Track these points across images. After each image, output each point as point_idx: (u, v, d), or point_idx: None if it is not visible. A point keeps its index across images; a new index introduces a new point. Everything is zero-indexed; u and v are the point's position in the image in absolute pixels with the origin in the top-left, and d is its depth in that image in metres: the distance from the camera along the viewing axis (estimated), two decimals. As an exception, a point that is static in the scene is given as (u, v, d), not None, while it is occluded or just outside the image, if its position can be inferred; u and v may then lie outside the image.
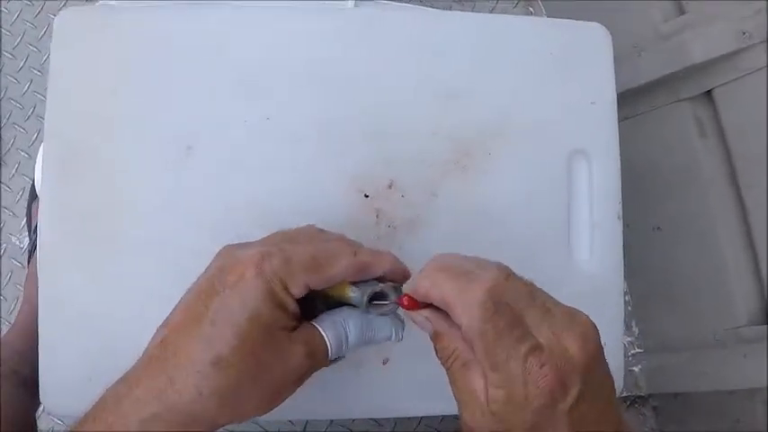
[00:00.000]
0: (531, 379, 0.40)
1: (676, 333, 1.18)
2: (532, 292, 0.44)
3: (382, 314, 0.49)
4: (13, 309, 1.23)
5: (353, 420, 1.19)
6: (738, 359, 1.01)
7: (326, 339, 0.47)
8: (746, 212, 1.00)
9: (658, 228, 1.19)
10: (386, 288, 0.48)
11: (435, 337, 0.46)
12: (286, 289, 0.45)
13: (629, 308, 1.27)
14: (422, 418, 1.20)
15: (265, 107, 0.64)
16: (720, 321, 1.06)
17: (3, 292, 1.24)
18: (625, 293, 1.26)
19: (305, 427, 1.19)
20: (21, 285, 1.22)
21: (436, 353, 0.47)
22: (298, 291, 0.46)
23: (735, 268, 1.04)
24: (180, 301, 0.49)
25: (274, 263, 0.45)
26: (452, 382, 0.45)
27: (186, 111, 0.64)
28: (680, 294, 1.16)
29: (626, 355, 1.25)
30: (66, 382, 0.63)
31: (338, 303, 0.50)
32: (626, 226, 1.21)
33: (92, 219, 0.63)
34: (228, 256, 0.48)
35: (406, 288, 0.47)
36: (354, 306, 0.49)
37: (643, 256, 1.22)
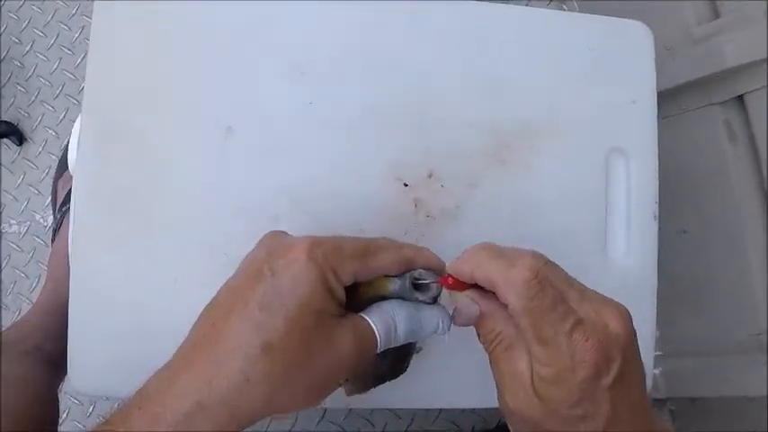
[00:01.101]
0: (577, 352, 0.42)
1: (697, 337, 1.17)
2: (568, 277, 0.46)
3: (425, 299, 0.49)
4: (35, 287, 1.23)
5: (372, 411, 1.19)
6: (759, 366, 1.00)
7: (375, 328, 0.47)
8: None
9: (684, 231, 1.18)
10: (425, 273, 0.49)
11: (479, 320, 0.47)
12: (336, 276, 0.45)
13: (650, 310, 1.27)
14: (440, 411, 1.20)
15: (307, 92, 0.64)
16: (743, 327, 1.05)
17: (24, 268, 1.25)
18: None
19: (323, 415, 1.19)
20: (44, 263, 1.23)
21: (479, 337, 0.47)
22: (347, 279, 0.46)
23: (760, 274, 1.03)
24: (225, 285, 0.48)
25: (326, 248, 0.45)
26: (495, 366, 0.46)
27: (228, 92, 0.64)
28: (703, 298, 1.15)
29: (645, 358, 1.25)
30: (95, 361, 0.63)
31: (376, 301, 0.50)
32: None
33: (126, 198, 0.63)
34: (277, 241, 0.48)
35: (449, 269, 0.48)
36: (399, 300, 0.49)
37: (668, 259, 1.21)
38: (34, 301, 1.07)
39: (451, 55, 0.66)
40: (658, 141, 1.17)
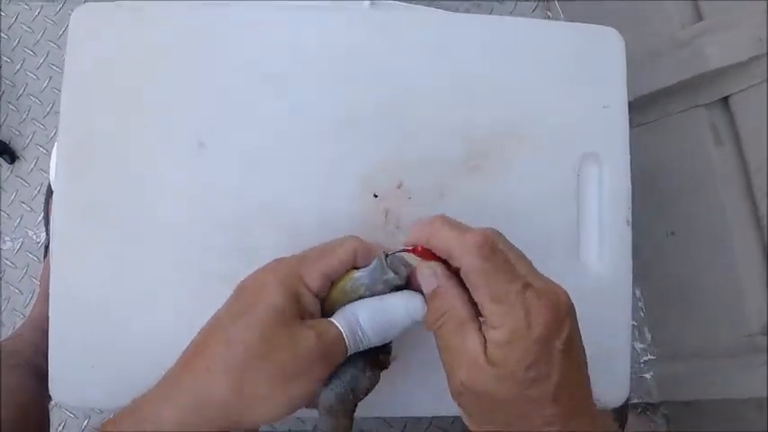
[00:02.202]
0: (531, 308, 0.43)
1: (689, 340, 1.17)
2: (518, 252, 0.49)
3: (397, 281, 0.50)
4: (29, 302, 1.24)
5: (364, 418, 1.19)
6: (751, 368, 1.00)
7: (339, 326, 0.49)
8: (761, 220, 0.99)
9: (672, 233, 1.18)
10: (393, 257, 0.51)
11: (432, 295, 0.48)
12: (303, 282, 0.49)
13: (642, 314, 1.26)
14: (432, 419, 1.20)
15: (278, 106, 0.65)
16: (733, 329, 1.05)
17: (19, 284, 1.26)
18: (638, 300, 1.26)
19: (314, 428, 1.19)
20: (36, 279, 1.24)
21: (429, 314, 0.48)
22: (315, 280, 0.50)
23: (748, 276, 1.03)
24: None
25: (290, 260, 0.51)
26: (444, 344, 0.47)
27: (200, 106, 0.65)
28: (693, 301, 1.15)
29: (638, 362, 1.24)
30: (75, 372, 0.64)
31: None
32: (639, 231, 1.22)
33: (104, 211, 0.64)
34: (245, 279, 0.52)
35: (408, 240, 0.50)
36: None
37: (656, 262, 1.21)
38: (28, 316, 1.08)
39: (421, 66, 0.67)
40: (643, 146, 1.18)
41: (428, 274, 0.49)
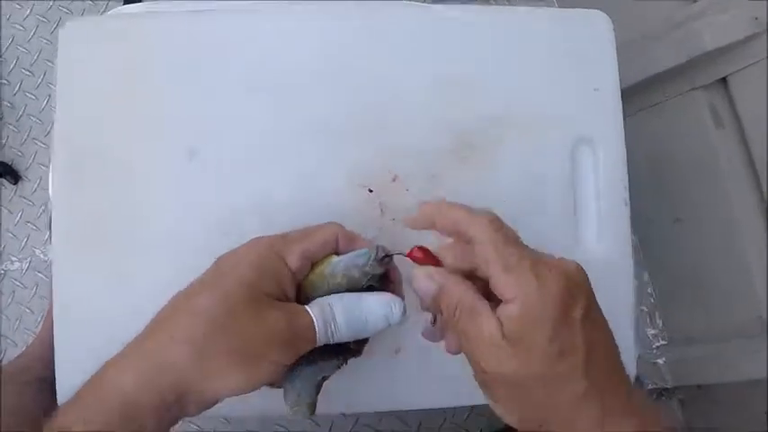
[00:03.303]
0: (543, 279, 0.42)
1: (700, 324, 1.16)
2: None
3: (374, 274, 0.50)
4: (41, 321, 1.25)
5: (380, 420, 1.19)
6: (762, 349, 0.99)
7: (311, 314, 0.48)
8: (766, 202, 0.99)
9: (678, 219, 1.18)
10: (382, 248, 0.51)
11: (439, 294, 0.47)
12: (283, 260, 0.49)
13: (652, 300, 1.25)
14: (445, 416, 1.20)
15: (267, 109, 0.65)
16: (744, 311, 1.04)
17: (29, 304, 1.27)
18: (647, 286, 1.25)
19: (330, 428, 1.19)
20: (46, 298, 1.24)
21: (441, 313, 0.47)
22: (295, 261, 0.49)
23: (756, 256, 1.02)
24: None
25: (271, 238, 0.50)
26: (463, 336, 0.45)
27: (190, 114, 0.65)
28: (703, 285, 1.14)
29: (650, 348, 1.23)
30: (81, 381, 0.64)
31: None
32: (646, 218, 1.21)
33: (102, 222, 0.64)
34: (224, 254, 0.52)
35: (407, 220, 0.50)
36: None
37: (665, 248, 1.21)
38: (41, 335, 1.08)
39: (409, 59, 0.66)
40: (644, 131, 1.17)
41: (423, 276, 0.47)
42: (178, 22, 0.68)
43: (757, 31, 0.94)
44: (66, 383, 0.64)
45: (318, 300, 0.49)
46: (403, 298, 0.51)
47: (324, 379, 0.51)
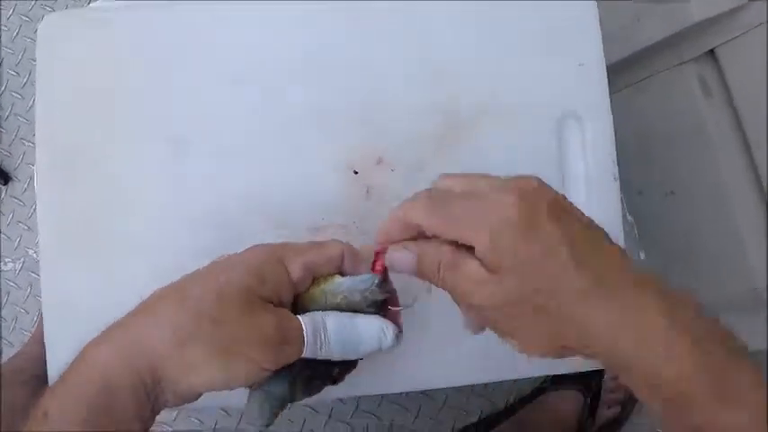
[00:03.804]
0: (496, 201, 0.43)
1: (697, 298, 1.16)
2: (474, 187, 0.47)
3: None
4: (36, 320, 1.25)
5: (379, 405, 1.19)
6: (758, 320, 0.99)
7: (303, 324, 0.47)
8: (758, 170, 0.98)
9: (672, 192, 1.17)
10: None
11: (419, 264, 0.47)
12: (284, 267, 0.48)
13: (648, 276, 1.25)
14: (446, 399, 1.20)
15: (252, 96, 0.65)
16: (738, 283, 1.04)
17: (24, 304, 1.27)
18: (643, 263, 1.25)
19: (330, 414, 1.20)
20: (41, 297, 1.24)
21: (426, 276, 0.47)
22: (297, 270, 0.49)
23: (749, 228, 1.02)
24: None
25: (273, 246, 0.50)
26: (452, 288, 0.45)
27: (176, 106, 0.65)
28: (696, 258, 1.14)
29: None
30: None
31: None
32: (639, 193, 1.21)
33: (88, 220, 0.64)
34: (225, 255, 0.51)
35: (377, 240, 0.49)
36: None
37: (658, 223, 1.20)
38: (37, 335, 1.09)
39: (394, 44, 0.67)
40: (634, 106, 1.17)
41: (401, 253, 0.47)
42: (159, 14, 0.68)
43: (744, 2, 0.93)
44: (56, 374, 0.64)
45: (312, 313, 0.49)
46: (401, 328, 0.51)
47: (291, 401, 0.51)
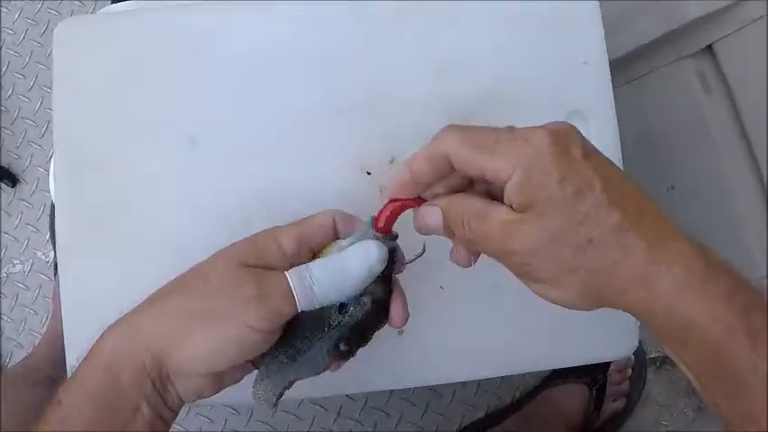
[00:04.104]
0: (529, 142, 0.41)
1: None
2: None
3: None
4: (46, 321, 1.26)
5: (387, 401, 1.21)
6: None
7: (287, 276, 0.47)
8: (758, 164, 1.00)
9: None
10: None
11: (445, 217, 0.47)
12: (276, 240, 0.49)
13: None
14: (454, 392, 1.21)
15: (265, 95, 0.66)
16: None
17: (33, 306, 1.28)
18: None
19: (339, 411, 1.21)
20: (49, 298, 1.25)
21: (450, 231, 0.47)
22: (289, 241, 0.49)
23: (751, 220, 1.03)
24: None
25: (266, 230, 0.51)
26: (481, 239, 0.45)
27: (187, 106, 0.66)
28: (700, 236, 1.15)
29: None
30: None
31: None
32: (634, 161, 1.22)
33: (105, 218, 0.65)
34: None
35: (392, 189, 0.49)
36: None
37: (658, 195, 1.21)
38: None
39: (401, 43, 0.68)
40: (634, 102, 1.18)
41: (424, 208, 0.48)
42: (170, 17, 0.69)
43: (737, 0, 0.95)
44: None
45: (297, 266, 0.48)
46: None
47: (296, 379, 0.51)
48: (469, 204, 0.45)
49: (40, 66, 1.34)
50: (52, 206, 1.21)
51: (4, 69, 1.34)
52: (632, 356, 1.18)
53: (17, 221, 1.30)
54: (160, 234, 0.65)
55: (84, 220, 0.65)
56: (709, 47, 1.03)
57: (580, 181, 0.40)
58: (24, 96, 1.33)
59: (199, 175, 0.65)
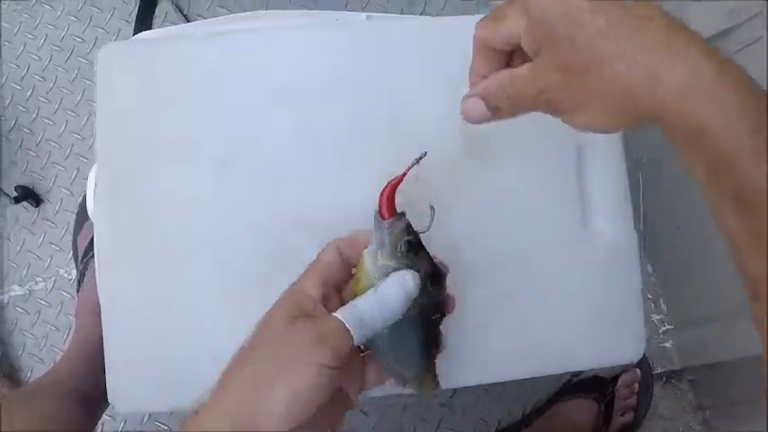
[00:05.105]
0: None
1: (703, 304, 1.19)
2: None
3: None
4: (67, 338, 1.29)
5: (401, 414, 1.23)
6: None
7: (339, 317, 0.50)
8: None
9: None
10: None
11: (485, 100, 0.52)
12: (304, 293, 0.53)
13: (657, 288, 1.29)
14: (465, 408, 1.23)
15: (295, 118, 0.71)
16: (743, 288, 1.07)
17: (55, 322, 1.31)
18: (650, 275, 1.29)
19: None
20: (72, 315, 1.28)
21: (493, 107, 0.52)
22: (313, 287, 0.53)
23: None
24: None
25: (291, 286, 0.55)
26: (518, 93, 0.50)
27: (221, 129, 0.71)
28: (703, 264, 1.16)
29: (657, 333, 1.27)
30: (132, 385, 0.70)
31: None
32: (645, 200, 1.24)
33: (143, 235, 0.69)
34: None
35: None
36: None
37: (664, 232, 1.23)
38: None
39: (420, 68, 0.73)
40: (638, 134, 1.21)
41: (467, 99, 0.54)
42: (208, 42, 0.74)
43: (733, 24, 0.97)
44: (117, 383, 0.69)
45: (343, 306, 0.52)
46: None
47: (432, 346, 0.57)
48: (499, 77, 0.51)
49: (65, 90, 1.38)
50: (75, 225, 1.24)
51: (28, 94, 1.38)
52: (639, 372, 1.21)
53: (41, 240, 1.33)
54: (194, 250, 0.69)
55: (123, 236, 0.69)
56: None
57: (571, 10, 0.44)
58: (49, 120, 1.37)
59: (234, 194, 0.70)
